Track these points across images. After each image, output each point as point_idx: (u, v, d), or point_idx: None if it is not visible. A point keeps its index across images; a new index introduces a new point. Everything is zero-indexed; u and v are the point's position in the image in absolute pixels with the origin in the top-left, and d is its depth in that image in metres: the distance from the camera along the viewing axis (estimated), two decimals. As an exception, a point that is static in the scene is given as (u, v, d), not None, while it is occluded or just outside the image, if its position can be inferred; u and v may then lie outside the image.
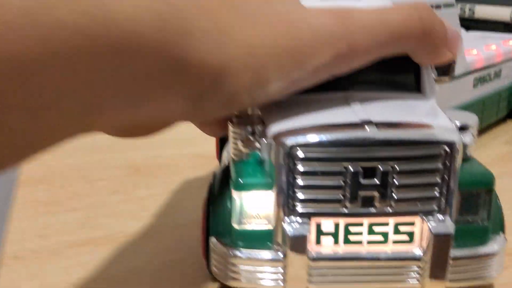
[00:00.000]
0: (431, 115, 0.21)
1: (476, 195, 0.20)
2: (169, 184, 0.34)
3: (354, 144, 0.19)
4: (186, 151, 0.40)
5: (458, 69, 0.38)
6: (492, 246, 0.21)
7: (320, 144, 0.19)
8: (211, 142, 0.35)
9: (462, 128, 0.21)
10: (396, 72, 0.23)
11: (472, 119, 0.21)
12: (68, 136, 0.15)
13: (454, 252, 0.20)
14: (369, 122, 0.19)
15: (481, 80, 0.42)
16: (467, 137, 0.21)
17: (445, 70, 0.25)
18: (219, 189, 0.23)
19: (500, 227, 0.22)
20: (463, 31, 0.51)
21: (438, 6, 0.35)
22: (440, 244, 0.20)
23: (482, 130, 0.44)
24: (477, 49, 0.43)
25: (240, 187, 0.20)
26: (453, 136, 0.19)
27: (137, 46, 0.14)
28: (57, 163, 0.38)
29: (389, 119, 0.20)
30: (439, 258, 0.20)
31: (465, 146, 0.21)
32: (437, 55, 0.21)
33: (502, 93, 0.45)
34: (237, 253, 0.21)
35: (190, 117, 0.19)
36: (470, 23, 0.52)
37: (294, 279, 0.20)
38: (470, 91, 0.41)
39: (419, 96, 0.23)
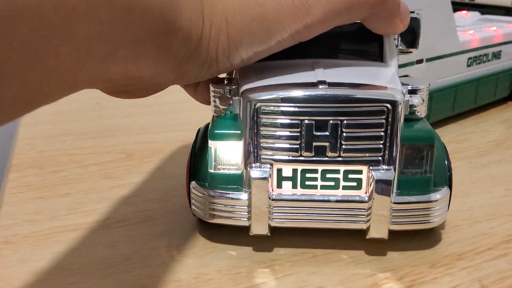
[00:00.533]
0: (385, 79, 0.24)
1: (420, 149, 0.23)
2: (162, 169, 0.34)
3: (307, 100, 0.22)
4: (179, 136, 0.40)
5: (448, 48, 0.40)
6: (434, 195, 0.24)
7: (278, 100, 0.22)
8: None
9: (412, 92, 0.24)
10: (362, 42, 0.26)
11: (423, 85, 0.24)
12: (79, 86, 0.18)
13: (397, 198, 0.23)
14: (323, 82, 0.23)
15: (476, 60, 0.43)
16: (416, 99, 0.24)
17: (411, 43, 0.27)
18: (201, 141, 0.26)
19: (444, 181, 0.24)
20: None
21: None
22: (382, 190, 0.23)
23: (476, 109, 0.45)
24: (474, 30, 0.44)
25: (214, 137, 0.24)
26: (397, 96, 0.22)
27: (140, 6, 0.17)
28: (49, 148, 0.38)
29: (342, 80, 0.23)
30: (382, 203, 0.23)
31: (413, 107, 0.24)
32: (390, 24, 0.24)
33: (500, 75, 0.46)
34: (211, 193, 0.24)
35: (178, 79, 0.22)
36: (471, 8, 0.53)
37: (257, 216, 0.24)
38: (463, 70, 0.42)
39: (380, 64, 0.26)
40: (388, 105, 0.22)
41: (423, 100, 0.24)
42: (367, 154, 0.23)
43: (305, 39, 0.23)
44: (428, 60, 0.38)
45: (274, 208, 0.24)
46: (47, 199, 0.30)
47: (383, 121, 0.22)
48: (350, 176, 0.23)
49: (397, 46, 0.26)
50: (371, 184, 0.23)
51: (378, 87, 0.23)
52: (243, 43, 0.21)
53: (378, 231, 0.24)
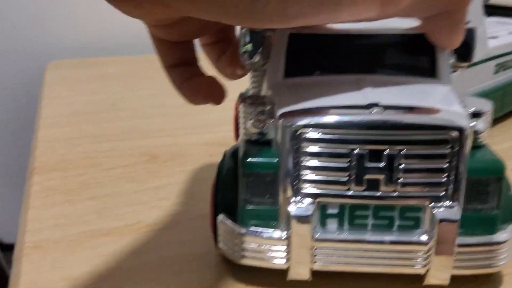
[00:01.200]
0: (443, 100, 0.21)
1: (485, 183, 0.20)
2: (185, 173, 0.33)
3: (360, 126, 0.19)
4: (202, 139, 0.39)
5: (478, 55, 0.37)
6: (500, 235, 0.21)
7: (326, 126, 0.19)
8: (227, 130, 0.34)
9: (476, 115, 0.21)
10: (412, 56, 0.23)
11: (487, 106, 0.21)
12: None
13: (461, 240, 0.20)
14: (377, 105, 0.19)
15: (503, 66, 0.41)
16: (480, 124, 0.21)
17: (464, 56, 0.24)
18: (228, 167, 0.23)
19: (511, 217, 0.21)
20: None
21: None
22: (446, 231, 0.20)
23: (502, 117, 0.43)
24: (499, 35, 0.41)
25: (247, 166, 0.21)
26: (463, 121, 0.19)
27: None
28: (69, 151, 0.37)
29: (398, 102, 0.20)
30: (444, 245, 0.20)
31: (477, 133, 0.20)
32: (453, 34, 0.20)
33: (525, 81, 0.44)
34: (243, 230, 0.21)
35: None
36: (485, 10, 0.50)
37: (298, 259, 0.21)
38: (491, 78, 0.40)
39: (434, 81, 0.22)
40: (454, 132, 0.19)
41: (488, 125, 0.21)
42: (427, 189, 0.20)
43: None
44: (462, 68, 0.35)
45: (317, 250, 0.20)
46: (73, 203, 0.30)
47: (448, 150, 0.19)
48: (407, 214, 0.20)
49: (450, 60, 0.23)
50: (432, 223, 0.20)
51: (440, 111, 0.19)
52: None
53: (438, 277, 0.20)
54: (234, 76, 0.25)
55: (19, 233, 0.28)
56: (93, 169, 0.34)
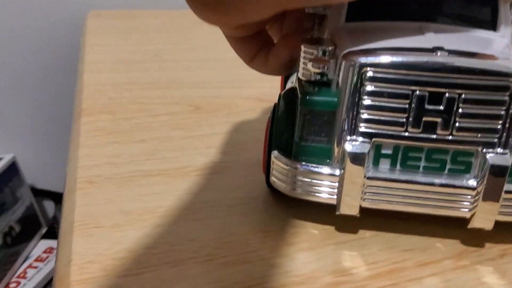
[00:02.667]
0: (504, 50, 0.21)
1: (539, 133, 0.21)
2: (230, 124, 0.34)
3: (424, 68, 0.20)
4: (244, 93, 0.39)
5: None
6: (549, 185, 0.21)
7: (390, 65, 0.20)
8: (268, 86, 0.35)
9: None
10: (474, 8, 0.23)
11: None
12: None
13: (509, 187, 0.21)
14: (441, 49, 0.20)
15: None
16: (539, 76, 0.21)
17: None
18: (284, 107, 0.24)
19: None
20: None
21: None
22: (495, 177, 0.20)
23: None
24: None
25: (306, 104, 0.21)
26: (525, 70, 0.19)
27: None
28: (117, 96, 0.38)
29: (462, 48, 0.20)
30: (492, 191, 0.21)
31: (534, 84, 0.21)
32: None
33: None
34: (297, 166, 0.22)
35: None
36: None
37: (348, 195, 0.22)
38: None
39: (493, 33, 0.23)
40: (515, 80, 0.19)
41: None
42: (482, 135, 0.20)
43: None
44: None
45: (368, 187, 0.21)
46: (123, 144, 0.31)
47: (507, 98, 0.20)
48: (459, 158, 0.21)
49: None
50: (483, 168, 0.20)
51: (502, 59, 0.20)
52: None
53: (483, 221, 0.21)
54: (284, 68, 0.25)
55: (70, 168, 0.29)
56: (141, 114, 0.35)
